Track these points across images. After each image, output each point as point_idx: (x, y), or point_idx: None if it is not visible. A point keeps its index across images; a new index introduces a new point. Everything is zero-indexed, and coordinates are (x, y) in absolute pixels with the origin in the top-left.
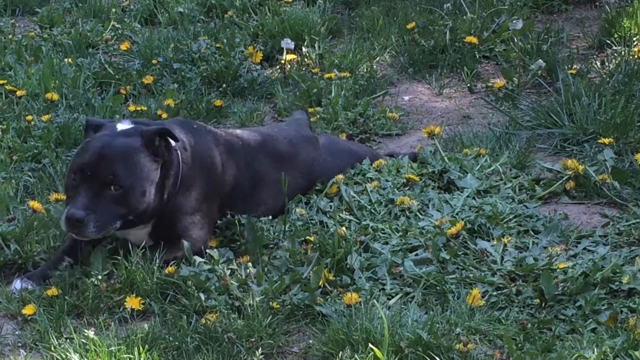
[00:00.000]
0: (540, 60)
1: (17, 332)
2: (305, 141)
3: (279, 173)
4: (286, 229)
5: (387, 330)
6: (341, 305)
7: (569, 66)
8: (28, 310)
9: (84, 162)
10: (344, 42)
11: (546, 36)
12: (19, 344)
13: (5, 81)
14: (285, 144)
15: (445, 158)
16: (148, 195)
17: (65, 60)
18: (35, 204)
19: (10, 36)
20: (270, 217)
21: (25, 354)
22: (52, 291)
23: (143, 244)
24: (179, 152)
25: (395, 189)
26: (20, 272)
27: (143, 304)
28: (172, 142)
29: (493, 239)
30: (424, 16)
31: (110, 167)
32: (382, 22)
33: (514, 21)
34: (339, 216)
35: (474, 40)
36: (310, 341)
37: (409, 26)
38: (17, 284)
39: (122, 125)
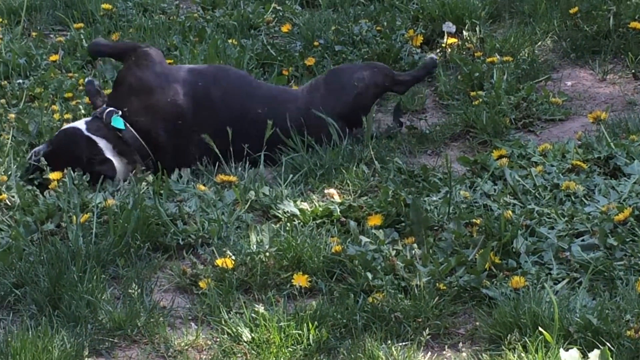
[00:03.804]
0: None
1: (187, 306)
2: None
3: None
4: (450, 211)
5: (557, 315)
6: (508, 289)
7: None
8: (200, 284)
9: None
10: (504, 26)
11: None
12: (190, 317)
13: (172, 61)
14: None
15: (612, 144)
16: None
17: (229, 41)
18: (201, 186)
19: (174, 17)
20: None
21: (196, 327)
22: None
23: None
24: None
25: (560, 174)
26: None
27: (310, 281)
28: None
29: None
30: (587, 1)
31: None
32: (544, 7)
33: None
34: (503, 200)
35: (639, 25)
36: (477, 323)
37: (572, 11)
38: None
39: None
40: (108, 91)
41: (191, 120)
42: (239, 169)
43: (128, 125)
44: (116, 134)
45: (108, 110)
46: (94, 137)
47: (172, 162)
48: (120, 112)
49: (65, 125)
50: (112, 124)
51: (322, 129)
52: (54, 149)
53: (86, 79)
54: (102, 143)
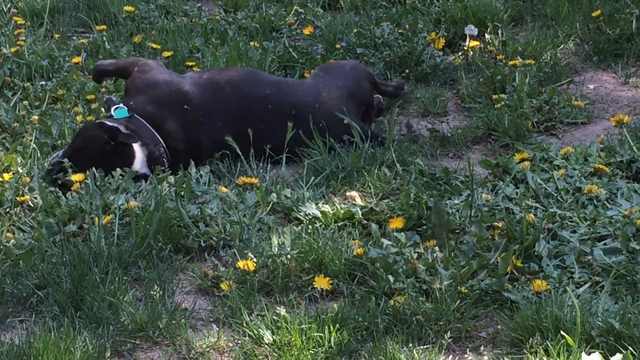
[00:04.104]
0: None
1: (209, 308)
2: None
3: None
4: (472, 214)
5: (580, 318)
6: (529, 292)
7: None
8: (221, 286)
9: None
10: (526, 29)
11: None
12: (211, 319)
13: (194, 63)
14: None
15: (634, 147)
16: None
17: (251, 43)
18: (222, 188)
19: (196, 19)
20: None
21: (217, 329)
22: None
23: None
24: None
25: (582, 178)
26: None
27: (331, 284)
28: None
29: None
30: (610, 4)
31: None
32: (566, 10)
33: None
34: (525, 203)
35: None
36: (499, 326)
37: (594, 14)
38: None
39: None
40: None
41: (197, 105)
42: (261, 170)
43: (135, 115)
44: (126, 121)
45: (114, 107)
46: (107, 122)
47: (184, 149)
48: (124, 107)
49: None
50: (115, 116)
51: (333, 107)
52: (76, 141)
53: (105, 97)
54: (115, 125)
